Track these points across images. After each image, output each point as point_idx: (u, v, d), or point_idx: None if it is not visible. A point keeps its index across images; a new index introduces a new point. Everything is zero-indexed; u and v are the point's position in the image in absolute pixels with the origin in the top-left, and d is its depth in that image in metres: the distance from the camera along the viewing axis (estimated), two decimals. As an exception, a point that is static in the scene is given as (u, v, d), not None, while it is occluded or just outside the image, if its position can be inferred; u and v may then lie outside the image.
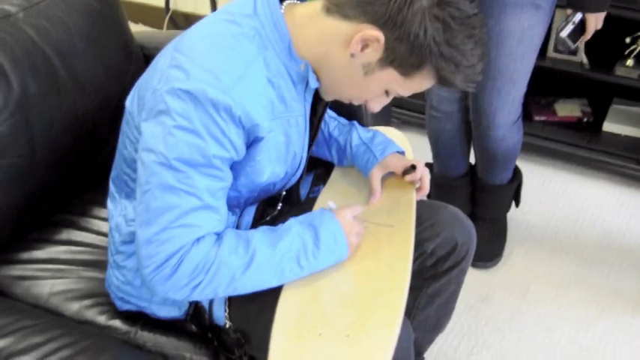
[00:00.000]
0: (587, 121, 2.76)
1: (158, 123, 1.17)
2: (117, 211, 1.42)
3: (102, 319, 1.44)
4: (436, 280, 1.61)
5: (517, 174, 2.33)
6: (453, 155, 2.32)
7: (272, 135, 1.26)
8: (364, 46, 1.18)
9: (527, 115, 2.78)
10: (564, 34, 1.94)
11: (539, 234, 2.48)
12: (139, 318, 1.43)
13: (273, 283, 1.26)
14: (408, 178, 1.52)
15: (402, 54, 1.16)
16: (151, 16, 3.74)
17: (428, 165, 2.27)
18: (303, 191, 1.56)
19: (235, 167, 1.26)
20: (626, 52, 2.52)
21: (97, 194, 1.72)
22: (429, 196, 1.59)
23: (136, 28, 2.12)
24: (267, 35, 1.22)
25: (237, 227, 1.40)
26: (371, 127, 1.65)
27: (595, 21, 1.93)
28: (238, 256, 1.21)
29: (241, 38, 1.21)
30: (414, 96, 1.38)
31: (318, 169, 1.62)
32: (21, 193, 1.57)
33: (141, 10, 3.72)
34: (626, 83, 2.52)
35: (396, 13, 1.13)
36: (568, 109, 2.79)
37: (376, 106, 1.31)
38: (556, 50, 2.55)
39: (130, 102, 1.32)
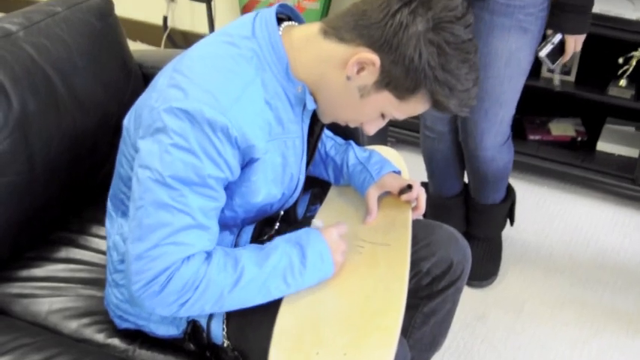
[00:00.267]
0: (581, 141, 2.78)
1: (155, 141, 1.18)
2: (114, 230, 1.43)
3: (100, 337, 1.44)
4: (432, 299, 1.62)
5: (510, 193, 2.34)
6: (447, 175, 2.34)
7: (268, 156, 1.28)
8: (360, 69, 1.20)
9: (521, 134, 2.80)
10: (543, 53, 1.95)
11: (533, 253, 2.49)
12: (137, 336, 1.43)
13: (258, 301, 1.26)
14: (404, 197, 1.53)
15: (398, 77, 1.18)
16: (149, 34, 3.75)
17: (423, 184, 2.29)
18: (300, 210, 1.57)
19: (230, 187, 1.28)
20: (619, 73, 2.54)
21: (96, 212, 1.73)
22: (424, 215, 1.60)
23: (134, 46, 2.14)
24: (264, 57, 1.24)
25: (235, 246, 1.41)
26: (367, 147, 1.66)
27: (574, 43, 1.95)
28: (227, 274, 1.21)
29: (239, 60, 1.22)
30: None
31: (315, 188, 1.63)
32: (20, 211, 1.58)
33: (139, 27, 3.74)
34: (620, 103, 2.54)
35: (392, 36, 1.15)
36: (562, 129, 2.82)
37: (372, 129, 1.32)
38: (550, 70, 2.58)
39: (128, 120, 1.33)
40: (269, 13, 1.27)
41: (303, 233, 1.32)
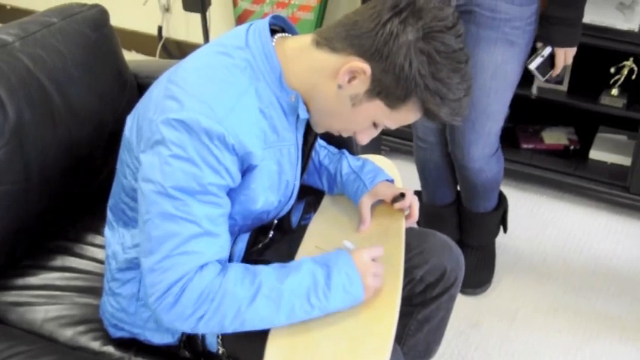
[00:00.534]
0: (573, 149, 2.80)
1: (155, 153, 1.19)
2: (115, 239, 1.43)
3: (96, 345, 1.45)
4: (425, 306, 1.63)
5: (502, 201, 2.35)
6: (439, 184, 2.35)
7: (265, 163, 1.29)
8: (351, 78, 1.21)
9: (514, 142, 2.82)
10: (533, 66, 1.95)
11: (527, 260, 2.50)
12: (132, 344, 1.44)
13: (282, 321, 1.24)
14: (398, 205, 1.54)
15: (389, 86, 1.19)
16: (143, 44, 3.77)
17: (417, 193, 2.30)
18: (295, 219, 1.58)
19: (231, 195, 1.28)
20: (611, 82, 2.57)
21: (92, 221, 1.74)
22: (418, 223, 1.61)
23: (129, 56, 2.15)
24: (258, 67, 1.25)
25: (231, 254, 1.42)
26: (360, 156, 1.67)
27: (564, 55, 1.95)
28: (244, 287, 1.20)
29: (233, 70, 1.24)
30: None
31: (309, 196, 1.64)
32: (16, 220, 1.59)
33: (134, 37, 3.75)
34: (612, 112, 2.57)
35: (382, 45, 1.17)
36: (555, 137, 2.83)
37: (364, 138, 1.32)
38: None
39: (130, 131, 1.34)
40: (262, 24, 1.28)
41: (333, 255, 1.30)
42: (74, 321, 1.50)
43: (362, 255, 1.30)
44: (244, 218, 1.36)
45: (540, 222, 2.67)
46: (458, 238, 2.41)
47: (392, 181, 1.60)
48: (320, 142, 1.64)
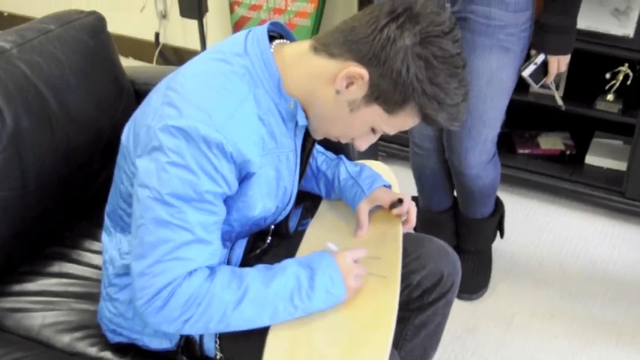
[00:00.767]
0: (569, 154, 2.81)
1: (152, 159, 1.20)
2: (112, 245, 1.44)
3: (93, 351, 1.45)
4: (422, 311, 1.63)
5: (499, 207, 2.36)
6: (436, 190, 2.35)
7: (263, 170, 1.29)
8: (349, 83, 1.21)
9: (511, 148, 2.83)
10: (526, 73, 1.95)
11: (523, 265, 2.51)
12: (130, 350, 1.44)
13: (265, 322, 1.26)
14: (395, 211, 1.55)
15: (386, 91, 1.20)
16: (141, 50, 3.77)
17: (414, 198, 2.30)
18: (292, 224, 1.58)
19: (228, 202, 1.29)
20: (607, 87, 2.58)
21: (89, 227, 1.74)
22: (415, 229, 1.62)
23: (126, 62, 2.16)
24: (257, 73, 1.26)
25: (229, 260, 1.42)
26: (358, 161, 1.68)
27: (557, 63, 1.96)
28: (231, 291, 1.22)
29: (232, 77, 1.24)
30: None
31: (307, 202, 1.65)
32: (13, 226, 1.59)
33: (131, 44, 3.76)
34: (607, 117, 2.58)
35: (380, 50, 1.17)
36: (551, 143, 2.84)
37: (363, 144, 1.33)
38: (544, 87, 2.61)
39: (126, 138, 1.34)
40: (261, 31, 1.29)
41: (316, 256, 1.32)
42: (71, 327, 1.50)
43: (344, 257, 1.32)
44: (242, 225, 1.37)
45: (537, 227, 2.68)
46: (455, 243, 2.42)
47: (389, 186, 1.61)
48: (318, 147, 1.64)
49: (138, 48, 3.78)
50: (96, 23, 1.82)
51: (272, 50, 1.28)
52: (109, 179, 1.45)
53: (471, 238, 2.40)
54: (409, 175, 2.39)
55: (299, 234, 1.55)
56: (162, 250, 1.18)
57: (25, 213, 1.61)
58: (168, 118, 1.19)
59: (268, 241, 1.53)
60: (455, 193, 2.36)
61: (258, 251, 1.52)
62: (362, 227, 1.53)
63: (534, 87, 2.01)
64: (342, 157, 1.65)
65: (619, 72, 2.56)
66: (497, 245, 2.50)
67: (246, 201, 1.30)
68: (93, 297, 1.56)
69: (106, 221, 1.47)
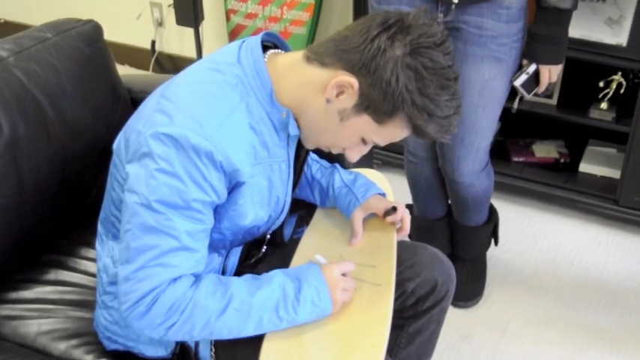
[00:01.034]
0: (564, 162, 2.82)
1: (142, 165, 1.21)
2: (104, 253, 1.44)
3: (89, 359, 1.45)
4: (417, 319, 1.64)
5: (493, 214, 2.36)
6: (430, 198, 2.36)
7: (254, 180, 1.30)
8: (339, 92, 1.22)
9: (505, 156, 2.84)
10: (517, 83, 1.95)
11: (518, 273, 2.51)
12: (125, 357, 1.44)
13: (250, 332, 1.26)
14: (389, 219, 1.55)
15: (376, 100, 1.20)
16: (137, 58, 3.78)
17: (408, 206, 2.31)
18: (287, 232, 1.59)
19: (219, 211, 1.30)
20: (600, 96, 2.59)
21: (85, 235, 1.74)
22: (409, 236, 1.62)
23: (122, 70, 2.16)
24: (249, 83, 1.26)
25: (224, 268, 1.43)
26: (352, 169, 1.69)
27: (549, 73, 1.96)
28: (215, 299, 1.23)
29: (224, 86, 1.25)
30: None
31: (302, 210, 1.65)
32: (9, 233, 1.59)
33: (127, 51, 3.77)
34: (601, 125, 2.59)
35: (370, 60, 1.18)
36: (545, 151, 2.86)
37: (354, 155, 1.33)
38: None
39: (117, 145, 1.35)
40: (255, 41, 1.30)
41: (304, 268, 1.32)
42: (67, 334, 1.50)
43: (332, 270, 1.32)
44: (234, 233, 1.37)
45: (531, 235, 2.69)
46: (449, 251, 2.42)
47: (384, 194, 1.62)
48: (312, 156, 1.65)
49: (134, 56, 3.79)
50: (92, 31, 1.83)
51: (266, 60, 1.29)
52: (105, 187, 1.45)
53: (465, 246, 2.41)
54: (404, 183, 2.40)
55: (294, 242, 1.56)
56: (147, 256, 1.19)
57: (22, 220, 1.61)
58: (159, 125, 1.20)
59: (263, 250, 1.54)
60: (449, 201, 2.36)
61: (253, 260, 1.53)
62: (356, 235, 1.53)
63: (526, 97, 2.02)
64: (337, 165, 1.65)
65: (612, 81, 2.58)
66: (492, 253, 2.51)
67: (237, 210, 1.31)
68: (89, 305, 1.56)
69: (99, 229, 1.47)
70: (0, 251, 1.59)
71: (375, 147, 1.33)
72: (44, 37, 1.73)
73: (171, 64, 3.71)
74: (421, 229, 2.40)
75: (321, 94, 1.24)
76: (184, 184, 1.19)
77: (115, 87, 1.88)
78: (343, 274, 1.34)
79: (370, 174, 1.74)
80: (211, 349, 1.37)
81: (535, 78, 1.97)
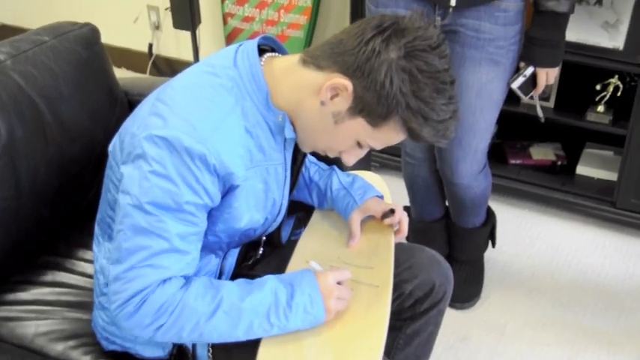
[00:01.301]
0: (561, 165, 2.83)
1: (135, 167, 1.21)
2: (101, 254, 1.44)
3: (86, 360, 1.46)
4: (414, 320, 1.64)
5: (490, 216, 2.37)
6: (428, 200, 2.37)
7: (250, 183, 1.30)
8: (334, 95, 1.22)
9: (502, 158, 2.85)
10: (515, 85, 1.96)
11: (515, 275, 2.52)
12: (123, 358, 1.44)
13: (240, 337, 1.26)
14: (387, 221, 1.56)
15: (370, 103, 1.20)
16: (134, 61, 3.78)
17: (406, 208, 2.31)
18: (285, 234, 1.59)
19: (214, 214, 1.30)
20: (597, 99, 2.60)
21: (83, 236, 1.74)
22: (407, 238, 1.63)
23: (119, 73, 2.17)
24: (245, 86, 1.27)
25: (221, 269, 1.43)
26: (350, 172, 1.69)
27: (546, 76, 1.97)
28: (204, 302, 1.23)
29: (220, 89, 1.25)
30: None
31: (299, 212, 1.66)
32: (6, 235, 1.59)
33: (124, 54, 3.77)
34: (598, 128, 2.60)
35: (364, 62, 1.18)
36: (542, 153, 2.86)
37: (350, 158, 1.33)
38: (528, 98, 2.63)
39: (113, 147, 1.36)
40: (251, 45, 1.30)
41: (299, 274, 1.31)
42: (65, 335, 1.50)
43: (327, 277, 1.30)
44: (229, 236, 1.37)
45: (528, 237, 2.69)
46: (447, 253, 2.43)
47: (381, 197, 1.62)
48: (310, 158, 1.65)
49: (131, 59, 3.79)
50: (90, 35, 1.83)
51: (263, 63, 1.29)
52: (101, 189, 1.46)
53: (463, 248, 2.41)
54: (401, 186, 2.40)
55: (292, 244, 1.56)
56: (137, 257, 1.20)
57: (19, 222, 1.61)
58: (153, 127, 1.21)
59: (261, 252, 1.54)
60: (447, 203, 2.37)
61: (250, 262, 1.53)
62: (354, 237, 1.54)
63: (523, 99, 2.03)
64: (335, 167, 1.65)
65: (609, 84, 2.59)
66: (490, 255, 2.51)
67: (232, 213, 1.31)
68: (86, 306, 1.56)
69: (96, 230, 1.47)
70: (-3, 253, 1.59)
71: (373, 149, 1.33)
72: (41, 40, 1.73)
73: (169, 68, 3.71)
74: (418, 231, 2.40)
75: (316, 96, 1.24)
76: (177, 187, 1.19)
77: (112, 90, 1.89)
78: (339, 283, 1.32)
79: (368, 176, 1.74)
80: (209, 350, 1.37)
81: (532, 80, 1.98)
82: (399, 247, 1.57)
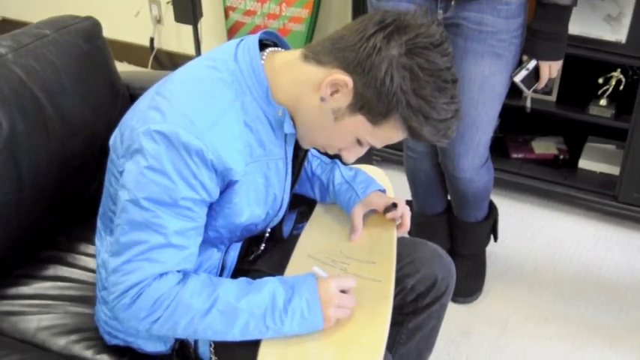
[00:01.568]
0: (563, 159, 2.82)
1: (134, 162, 1.21)
2: (103, 248, 1.44)
3: (89, 354, 1.46)
4: (417, 315, 1.64)
5: (492, 210, 2.36)
6: (430, 194, 2.36)
7: (250, 178, 1.29)
8: (334, 91, 1.21)
9: (504, 152, 2.84)
10: (517, 79, 1.96)
11: (517, 269, 2.51)
12: (125, 353, 1.45)
13: (236, 336, 1.25)
14: (389, 215, 1.56)
15: (370, 100, 1.19)
16: (135, 55, 3.78)
17: (408, 203, 2.31)
18: (287, 228, 1.58)
19: (214, 209, 1.30)
20: (599, 92, 2.59)
21: (84, 231, 1.74)
22: (409, 233, 1.62)
23: (121, 67, 2.16)
24: (245, 81, 1.26)
25: (223, 264, 1.43)
26: (352, 166, 1.68)
27: (549, 69, 1.96)
28: (200, 299, 1.22)
29: (220, 84, 1.25)
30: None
31: (302, 206, 1.65)
32: (8, 230, 1.59)
33: (126, 48, 3.77)
34: (600, 122, 2.59)
35: (365, 59, 1.17)
36: (544, 147, 2.86)
37: (350, 156, 1.32)
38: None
39: (113, 141, 1.36)
40: (252, 39, 1.30)
41: (301, 278, 1.29)
42: (67, 330, 1.50)
43: (328, 284, 1.28)
44: (230, 231, 1.37)
45: (530, 231, 2.69)
46: (449, 247, 2.42)
47: (384, 191, 1.61)
48: (313, 151, 1.65)
49: (133, 53, 3.78)
50: (91, 28, 1.83)
51: (264, 58, 1.28)
52: (103, 183, 1.46)
53: (465, 242, 2.41)
54: (403, 180, 2.40)
55: (294, 238, 1.56)
56: (135, 251, 1.21)
57: (21, 217, 1.61)
58: (151, 121, 1.20)
59: (262, 247, 1.54)
60: (449, 197, 2.37)
61: (252, 257, 1.53)
62: (356, 231, 1.53)
63: (526, 92, 2.02)
64: (337, 161, 1.65)
65: (612, 77, 2.58)
66: (492, 249, 2.51)
67: (232, 208, 1.30)
68: (88, 300, 1.57)
69: (98, 224, 1.48)
70: (-1, 247, 1.59)
71: (373, 147, 1.32)
72: (43, 33, 1.73)
73: (170, 62, 3.71)
74: (420, 225, 2.40)
75: (316, 92, 1.23)
76: (173, 183, 1.19)
77: (114, 84, 1.88)
78: (343, 291, 1.30)
79: (370, 170, 1.74)
80: (210, 345, 1.37)
81: (535, 74, 1.97)
82: (401, 241, 1.57)
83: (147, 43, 3.70)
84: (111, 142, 1.37)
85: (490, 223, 2.37)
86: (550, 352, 2.19)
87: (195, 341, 1.39)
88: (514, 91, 2.05)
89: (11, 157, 1.56)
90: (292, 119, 1.30)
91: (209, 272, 1.40)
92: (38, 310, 1.55)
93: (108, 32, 1.95)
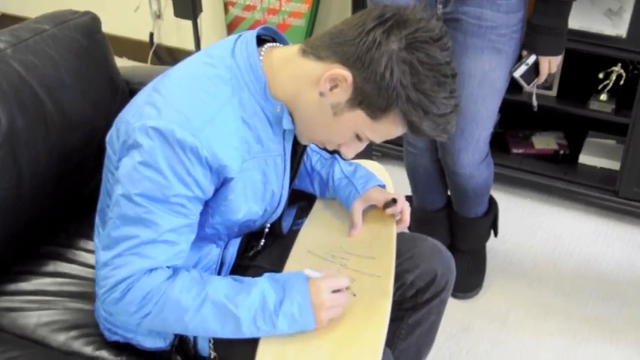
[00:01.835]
0: (563, 154, 2.82)
1: (129, 157, 1.22)
2: (100, 244, 1.44)
3: (88, 350, 1.45)
4: (416, 310, 1.64)
5: (492, 206, 2.36)
6: (429, 190, 2.36)
7: (247, 174, 1.29)
8: (333, 86, 1.21)
9: (505, 147, 2.84)
10: (517, 74, 1.95)
11: (517, 264, 2.51)
12: (125, 349, 1.44)
13: (228, 334, 1.25)
14: (389, 211, 1.55)
15: (370, 95, 1.18)
16: (135, 50, 3.77)
17: (408, 198, 2.31)
18: (286, 224, 1.58)
19: (210, 206, 1.29)
20: (600, 87, 2.59)
21: (84, 226, 1.74)
22: (409, 228, 1.62)
23: (121, 62, 2.15)
24: (242, 77, 1.26)
25: (222, 259, 1.43)
26: (352, 161, 1.68)
27: (549, 64, 1.96)
28: (189, 296, 1.22)
29: (216, 80, 1.24)
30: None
31: (301, 201, 1.65)
32: (8, 225, 1.59)
33: (125, 44, 3.76)
34: (601, 117, 2.59)
35: (364, 53, 1.16)
36: (545, 142, 2.85)
37: (349, 152, 1.31)
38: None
39: (110, 137, 1.36)
40: (250, 35, 1.29)
41: (292, 279, 1.28)
42: (67, 326, 1.50)
43: (320, 287, 1.26)
44: (227, 228, 1.37)
45: (530, 226, 2.69)
46: (449, 242, 2.42)
47: (384, 186, 1.61)
48: (312, 146, 1.64)
49: (132, 48, 3.78)
50: (90, 23, 1.83)
51: (263, 54, 1.28)
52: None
53: (465, 237, 2.41)
54: (403, 175, 2.40)
55: (293, 234, 1.56)
56: (125, 245, 1.21)
57: (20, 212, 1.61)
58: (147, 117, 1.20)
59: (262, 243, 1.53)
60: (449, 192, 2.36)
61: (251, 253, 1.52)
62: (356, 227, 1.53)
63: (526, 87, 2.02)
64: (337, 156, 1.65)
65: (612, 72, 2.57)
66: (492, 244, 2.51)
67: (228, 205, 1.30)
68: (88, 296, 1.56)
69: (97, 220, 1.47)
70: (-1, 243, 1.59)
71: (372, 142, 1.31)
72: (42, 28, 1.73)
73: (170, 57, 3.70)
74: (420, 220, 2.40)
75: (314, 87, 1.23)
76: (166, 179, 1.19)
77: (114, 79, 1.88)
78: (334, 291, 1.28)
79: (370, 165, 1.74)
80: (210, 341, 1.37)
81: (535, 69, 1.97)
82: (400, 236, 1.57)
83: (146, 39, 3.69)
84: (107, 138, 1.37)
85: (490, 219, 2.37)
86: (550, 347, 2.19)
87: (195, 337, 1.39)
88: (514, 86, 2.04)
89: (10, 153, 1.55)
90: (291, 115, 1.30)
91: (208, 268, 1.40)
92: (38, 307, 1.54)
93: (107, 27, 1.94)
